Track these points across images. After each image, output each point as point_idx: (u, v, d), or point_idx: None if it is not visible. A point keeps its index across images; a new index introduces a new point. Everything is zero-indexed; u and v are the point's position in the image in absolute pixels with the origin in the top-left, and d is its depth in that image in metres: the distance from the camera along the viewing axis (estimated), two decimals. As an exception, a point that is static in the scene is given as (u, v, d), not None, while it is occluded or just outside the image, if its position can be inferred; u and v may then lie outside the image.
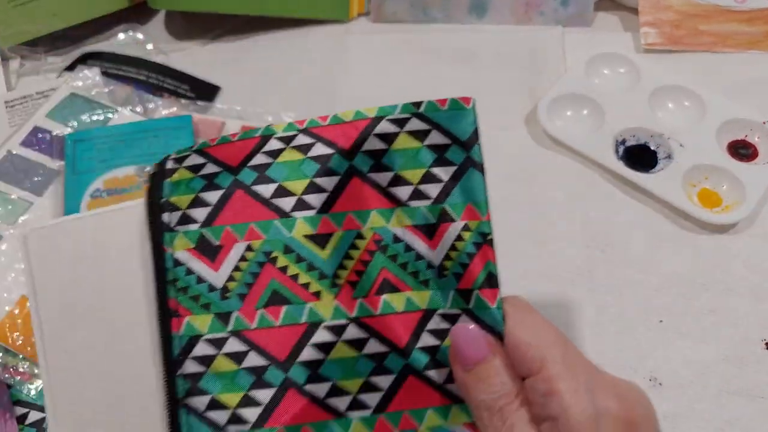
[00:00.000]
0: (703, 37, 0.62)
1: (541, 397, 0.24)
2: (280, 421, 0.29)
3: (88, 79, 0.58)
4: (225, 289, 0.30)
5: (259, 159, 0.31)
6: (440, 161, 0.29)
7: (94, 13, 0.65)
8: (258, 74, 0.64)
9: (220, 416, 0.29)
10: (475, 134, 0.29)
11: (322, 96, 0.61)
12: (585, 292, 0.48)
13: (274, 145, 0.31)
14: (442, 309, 0.28)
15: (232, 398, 0.29)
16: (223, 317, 0.30)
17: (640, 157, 0.54)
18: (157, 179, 0.32)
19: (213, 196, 0.31)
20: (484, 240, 0.28)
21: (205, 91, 0.62)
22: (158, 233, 0.31)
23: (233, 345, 0.29)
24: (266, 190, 0.31)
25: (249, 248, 0.30)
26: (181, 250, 0.31)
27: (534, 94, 0.59)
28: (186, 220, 0.31)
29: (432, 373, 0.28)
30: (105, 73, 0.60)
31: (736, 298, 0.47)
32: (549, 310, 0.47)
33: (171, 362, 0.30)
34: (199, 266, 0.30)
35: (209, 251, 0.30)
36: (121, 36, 0.67)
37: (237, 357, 0.29)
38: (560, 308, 0.47)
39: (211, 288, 0.30)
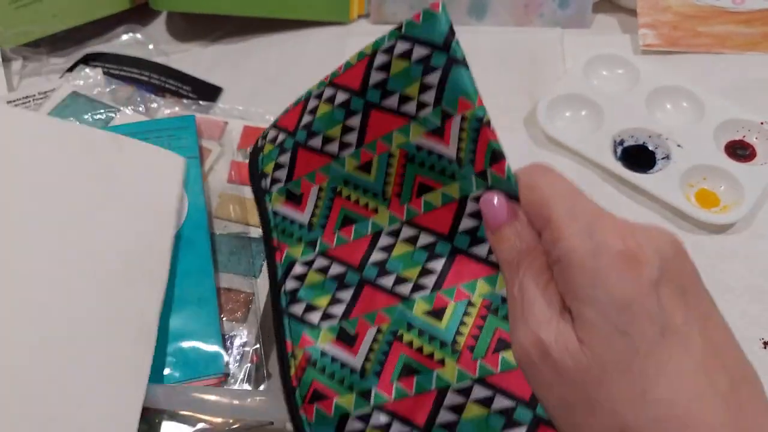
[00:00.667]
0: (701, 39, 0.63)
1: (550, 245, 0.26)
2: (359, 311, 0.35)
3: (90, 78, 0.58)
4: (310, 224, 0.38)
5: (306, 119, 0.38)
6: (428, 70, 0.32)
7: (96, 14, 0.66)
8: (259, 75, 0.64)
9: (314, 316, 0.36)
10: (451, 33, 0.31)
11: (322, 97, 0.61)
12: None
13: (312, 104, 0.38)
14: (472, 193, 0.32)
15: (322, 301, 0.36)
16: (311, 244, 0.38)
17: (639, 157, 0.55)
18: (254, 155, 0.42)
19: (285, 158, 0.39)
20: (481, 123, 0.29)
21: (207, 92, 0.62)
22: (261, 196, 0.40)
23: (320, 262, 0.37)
24: (317, 142, 0.38)
25: (320, 189, 0.38)
26: (276, 204, 0.40)
27: (533, 95, 0.59)
28: (275, 181, 0.40)
29: (476, 249, 0.32)
30: (107, 74, 0.60)
31: (733, 298, 0.47)
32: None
33: (276, 284, 0.38)
34: (290, 212, 0.39)
35: (294, 199, 0.39)
36: (123, 37, 0.67)
37: (323, 270, 0.37)
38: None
39: (300, 225, 0.38)
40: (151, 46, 0.67)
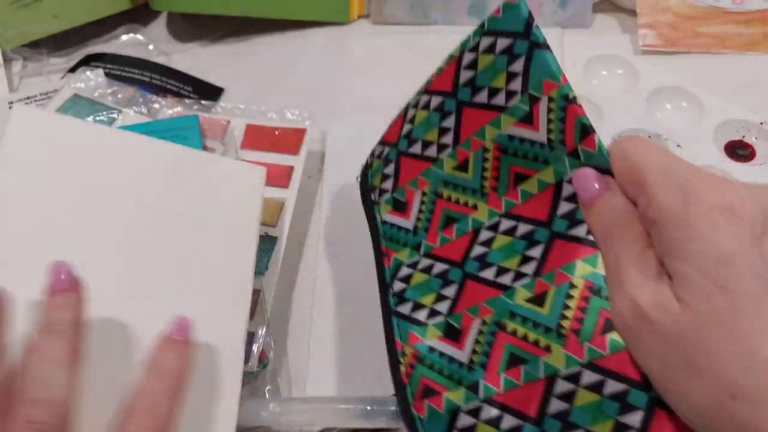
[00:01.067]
0: (700, 39, 0.63)
1: (645, 208, 0.25)
2: (463, 305, 0.35)
3: (91, 80, 0.58)
4: (415, 229, 0.39)
5: (406, 128, 0.40)
6: (512, 59, 0.32)
7: (96, 14, 0.66)
8: (259, 75, 0.64)
9: (421, 314, 0.37)
10: (530, 19, 0.32)
11: (322, 97, 0.62)
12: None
13: (410, 113, 0.40)
14: (567, 175, 0.31)
15: (428, 299, 0.37)
16: (416, 247, 0.39)
17: (639, 157, 0.55)
18: (364, 172, 0.44)
19: (390, 169, 0.41)
20: (567, 101, 0.30)
21: (208, 93, 0.62)
22: (370, 207, 0.43)
23: (424, 263, 0.38)
24: (417, 148, 0.39)
25: (423, 194, 0.39)
26: (384, 214, 0.41)
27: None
28: (382, 192, 0.42)
29: (574, 231, 0.31)
30: (108, 75, 0.60)
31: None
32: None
33: (385, 285, 0.40)
34: (397, 220, 0.40)
35: (400, 207, 0.40)
36: (123, 37, 0.68)
37: (428, 270, 0.38)
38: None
39: (407, 231, 0.40)
40: (151, 47, 0.67)
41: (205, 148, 0.52)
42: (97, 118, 0.54)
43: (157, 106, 0.57)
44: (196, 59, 0.66)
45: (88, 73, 0.59)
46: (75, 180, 0.39)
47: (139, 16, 0.69)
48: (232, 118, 0.56)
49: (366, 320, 0.48)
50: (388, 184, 0.41)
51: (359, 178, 0.44)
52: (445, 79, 0.37)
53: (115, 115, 0.54)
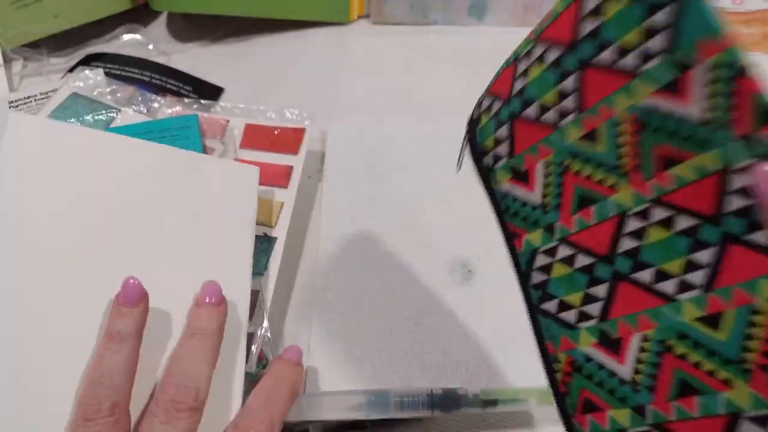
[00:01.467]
0: (700, 39, 0.63)
1: None
2: (618, 312, 0.31)
3: (90, 79, 0.58)
4: (543, 205, 0.33)
5: (518, 84, 0.34)
6: (653, 9, 0.26)
7: (97, 14, 0.66)
8: (259, 76, 0.64)
9: (569, 315, 0.32)
10: None
11: (322, 97, 0.62)
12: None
13: (522, 65, 0.34)
14: (736, 164, 0.25)
15: (575, 298, 0.32)
16: (549, 229, 0.33)
17: (639, 157, 0.55)
18: (472, 128, 0.37)
19: (503, 131, 0.35)
20: (736, 71, 0.23)
21: (207, 93, 0.62)
22: (485, 175, 0.36)
23: (563, 251, 0.32)
24: (533, 111, 0.33)
25: (546, 164, 0.33)
26: (503, 183, 0.35)
27: (533, 96, 0.59)
28: (497, 158, 0.35)
29: (754, 237, 0.25)
30: (108, 74, 0.60)
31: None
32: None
33: (522, 275, 0.34)
34: (518, 192, 0.34)
35: (520, 177, 0.34)
36: (123, 37, 0.68)
37: (569, 261, 0.32)
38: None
39: (533, 207, 0.34)
40: (151, 46, 0.67)
41: (204, 147, 0.52)
42: (96, 117, 0.54)
43: (156, 105, 0.57)
44: (196, 59, 0.66)
45: (87, 72, 0.59)
46: (68, 185, 0.39)
47: (139, 16, 0.69)
48: (232, 118, 0.56)
49: (366, 320, 0.48)
50: (503, 149, 0.35)
51: (466, 137, 0.38)
52: (563, 27, 0.30)
53: (114, 114, 0.54)
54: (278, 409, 0.37)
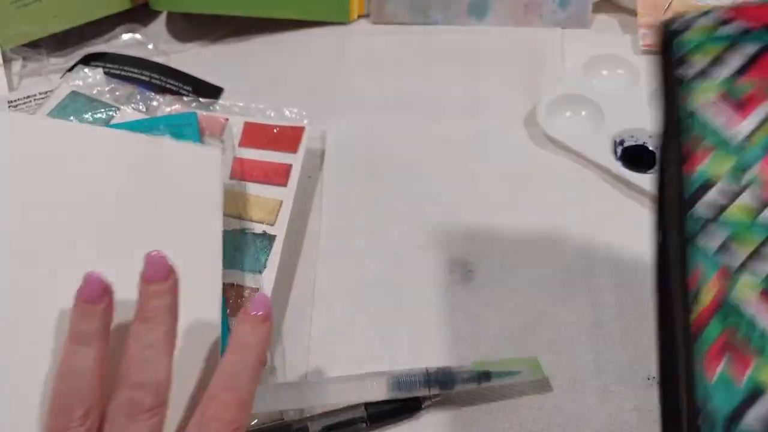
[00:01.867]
0: (701, 39, 0.63)
1: None
2: None
3: (89, 78, 0.58)
4: (743, 145, 0.30)
5: None
6: None
7: (96, 14, 0.65)
8: (259, 75, 0.64)
9: (731, 258, 0.29)
10: None
11: (322, 97, 0.62)
12: (585, 292, 0.48)
13: None
14: None
15: (743, 247, 0.29)
16: (740, 169, 0.29)
17: (639, 157, 0.54)
18: (666, 33, 0.33)
19: (735, 55, 0.31)
20: None
21: (207, 92, 0.62)
22: (672, 84, 0.32)
23: (747, 198, 0.29)
24: None
25: None
26: (700, 100, 0.31)
27: (533, 96, 0.59)
28: (704, 74, 0.31)
29: None
30: (107, 74, 0.60)
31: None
32: (546, 308, 0.48)
33: (682, 200, 0.30)
34: (720, 116, 0.30)
35: (732, 102, 0.31)
36: (123, 37, 0.67)
37: (751, 211, 0.29)
38: (559, 307, 0.48)
39: (730, 138, 0.30)
40: (151, 46, 0.67)
41: (203, 145, 0.52)
42: (95, 116, 0.54)
43: (155, 103, 0.57)
44: (195, 59, 0.66)
45: (86, 71, 0.59)
46: (16, 177, 0.39)
47: (139, 15, 0.69)
48: (231, 116, 0.56)
49: (366, 320, 0.48)
50: (722, 70, 0.31)
51: (658, 36, 0.34)
52: None
53: (113, 113, 0.54)
54: (246, 386, 0.33)
